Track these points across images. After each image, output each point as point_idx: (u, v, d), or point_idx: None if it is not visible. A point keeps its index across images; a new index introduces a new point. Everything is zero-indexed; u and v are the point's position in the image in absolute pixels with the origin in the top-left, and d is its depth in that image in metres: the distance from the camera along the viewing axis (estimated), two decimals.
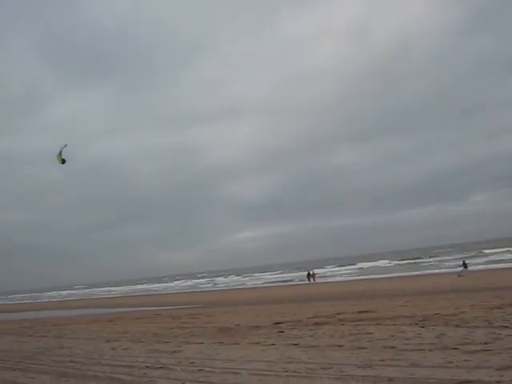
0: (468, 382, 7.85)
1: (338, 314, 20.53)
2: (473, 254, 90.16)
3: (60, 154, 20.84)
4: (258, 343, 14.53)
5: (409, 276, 60.86)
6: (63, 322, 31.27)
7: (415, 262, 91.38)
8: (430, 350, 10.86)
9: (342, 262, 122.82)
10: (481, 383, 7.71)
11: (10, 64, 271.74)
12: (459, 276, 43.62)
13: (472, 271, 49.40)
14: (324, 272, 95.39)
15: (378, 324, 16.12)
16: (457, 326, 13.99)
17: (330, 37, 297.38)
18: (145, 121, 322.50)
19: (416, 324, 15.12)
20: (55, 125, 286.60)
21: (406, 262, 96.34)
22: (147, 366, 12.20)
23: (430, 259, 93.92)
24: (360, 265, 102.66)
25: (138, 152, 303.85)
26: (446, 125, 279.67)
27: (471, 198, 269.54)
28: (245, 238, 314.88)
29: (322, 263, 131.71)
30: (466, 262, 50.28)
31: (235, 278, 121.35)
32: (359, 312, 20.27)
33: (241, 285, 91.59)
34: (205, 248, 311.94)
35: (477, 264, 64.75)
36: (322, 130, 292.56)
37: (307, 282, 69.06)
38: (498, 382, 7.71)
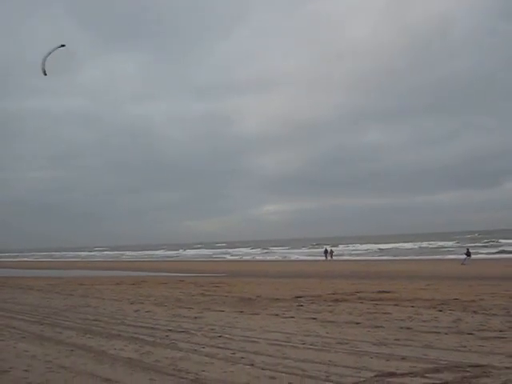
0: (478, 366, 8.08)
1: (357, 292, 20.84)
2: (485, 242, 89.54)
3: (44, 61, 17.20)
4: (277, 315, 14.90)
5: (431, 259, 60.80)
6: (89, 282, 32.02)
7: (439, 246, 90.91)
8: (446, 334, 11.12)
9: (363, 241, 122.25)
10: (491, 368, 7.92)
11: (47, 24, 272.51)
12: (462, 264, 43.17)
13: (476, 260, 49.03)
14: (344, 250, 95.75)
15: (396, 305, 16.38)
16: (474, 312, 14.19)
17: (368, 12, 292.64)
18: (179, 88, 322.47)
19: (434, 307, 15.35)
20: (90, 86, 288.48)
21: (429, 245, 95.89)
22: (169, 329, 12.63)
23: (455, 244, 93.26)
24: (381, 245, 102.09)
25: (171, 118, 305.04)
26: (482, 109, 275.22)
27: (504, 184, 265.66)
28: (268, 211, 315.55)
29: (344, 241, 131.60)
30: (471, 250, 49.43)
31: (255, 250, 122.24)
32: (379, 292, 20.52)
33: (259, 256, 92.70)
34: (229, 218, 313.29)
35: (487, 253, 64.48)
36: (353, 107, 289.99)
37: (324, 258, 69.71)
38: (507, 368, 7.93)
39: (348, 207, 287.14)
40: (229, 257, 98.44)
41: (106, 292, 24.07)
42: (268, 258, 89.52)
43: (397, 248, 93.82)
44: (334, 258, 70.24)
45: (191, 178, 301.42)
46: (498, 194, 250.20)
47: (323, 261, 66.78)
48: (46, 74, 17.14)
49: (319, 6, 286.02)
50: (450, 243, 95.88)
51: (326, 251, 72.19)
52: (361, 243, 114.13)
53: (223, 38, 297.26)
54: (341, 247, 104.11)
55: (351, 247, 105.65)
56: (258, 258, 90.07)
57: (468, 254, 46.44)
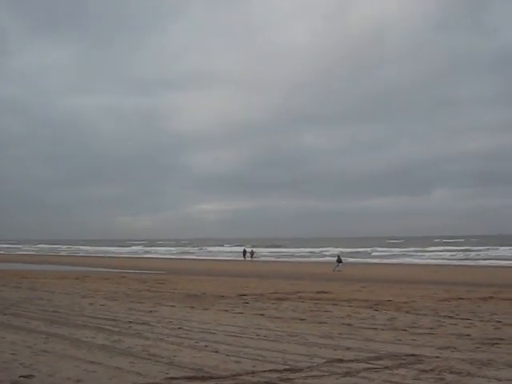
0: (413, 355, 9.44)
1: (297, 292, 22.20)
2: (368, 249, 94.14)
3: None
4: (226, 311, 16.07)
5: (360, 263, 62.86)
6: (31, 275, 32.25)
7: (364, 251, 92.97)
8: (382, 330, 12.53)
9: (294, 245, 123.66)
10: (423, 357, 9.29)
11: None
12: (333, 271, 43.43)
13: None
14: (275, 251, 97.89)
15: (335, 304, 17.81)
16: (407, 312, 15.72)
17: (306, 16, 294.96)
18: (111, 81, 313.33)
19: (370, 307, 16.83)
20: (19, 75, 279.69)
21: (355, 250, 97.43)
22: (130, 321, 13.55)
23: (382, 249, 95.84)
24: (311, 249, 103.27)
25: (104, 112, 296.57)
26: (417, 117, 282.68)
27: (433, 192, 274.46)
28: (203, 210, 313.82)
29: (274, 242, 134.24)
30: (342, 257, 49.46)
31: (189, 248, 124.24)
32: (317, 292, 21.93)
33: (191, 255, 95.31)
34: (163, 215, 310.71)
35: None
36: (290, 109, 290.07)
37: (242, 258, 71.88)
38: (437, 357, 9.33)
39: (282, 209, 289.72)
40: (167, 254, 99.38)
41: (52, 286, 24.59)
42: (200, 256, 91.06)
43: (325, 251, 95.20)
44: (254, 258, 72.13)
45: (125, 173, 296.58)
46: (428, 202, 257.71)
47: (242, 261, 68.61)
48: None
49: (258, 8, 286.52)
50: (378, 248, 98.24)
51: (244, 252, 74.24)
52: (294, 246, 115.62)
53: (158, 32, 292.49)
54: (277, 249, 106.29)
55: (283, 249, 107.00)
56: (190, 256, 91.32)
57: (339, 260, 46.88)
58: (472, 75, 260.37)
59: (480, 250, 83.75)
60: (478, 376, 8.04)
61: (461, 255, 76.86)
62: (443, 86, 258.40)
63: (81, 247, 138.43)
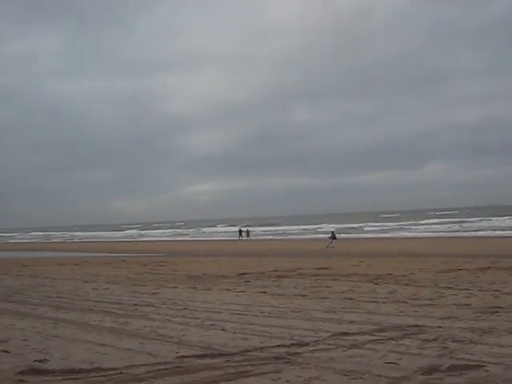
0: (415, 326, 9.67)
1: (297, 268, 22.44)
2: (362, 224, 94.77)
3: None
4: (228, 290, 16.27)
5: (353, 239, 63.12)
6: (31, 263, 32.31)
7: (358, 227, 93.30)
8: (384, 302, 12.78)
9: (288, 222, 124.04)
10: (426, 327, 9.52)
11: None
12: (327, 247, 42.63)
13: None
14: (269, 230, 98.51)
15: (335, 279, 18.07)
16: (407, 284, 15.99)
17: None
18: (101, 65, 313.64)
19: (370, 281, 17.10)
20: (8, 62, 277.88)
21: (348, 226, 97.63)
22: (135, 304, 13.72)
23: (375, 224, 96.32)
24: (306, 226, 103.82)
25: (95, 96, 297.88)
26: (407, 90, 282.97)
27: (425, 166, 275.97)
28: (198, 191, 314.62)
29: (267, 221, 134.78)
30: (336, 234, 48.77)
31: (183, 230, 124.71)
32: (317, 268, 22.18)
33: (186, 236, 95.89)
34: (158, 198, 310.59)
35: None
36: (279, 86, 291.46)
37: (238, 238, 71.74)
38: (439, 326, 9.57)
39: (275, 187, 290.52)
40: (164, 237, 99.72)
41: (53, 272, 24.73)
42: (198, 237, 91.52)
43: (319, 228, 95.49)
44: (251, 237, 72.64)
45: (118, 157, 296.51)
46: (420, 176, 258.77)
47: (238, 240, 68.86)
48: None
49: None
50: (361, 224, 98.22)
51: (240, 231, 74.48)
52: (289, 224, 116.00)
53: (143, 14, 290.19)
54: (273, 227, 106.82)
55: (278, 228, 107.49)
56: (169, 239, 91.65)
57: (333, 237, 46.17)
58: (459, 48, 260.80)
59: (473, 222, 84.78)
60: (481, 343, 8.27)
61: (455, 227, 77.92)
62: (431, 59, 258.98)
63: (75, 233, 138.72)
